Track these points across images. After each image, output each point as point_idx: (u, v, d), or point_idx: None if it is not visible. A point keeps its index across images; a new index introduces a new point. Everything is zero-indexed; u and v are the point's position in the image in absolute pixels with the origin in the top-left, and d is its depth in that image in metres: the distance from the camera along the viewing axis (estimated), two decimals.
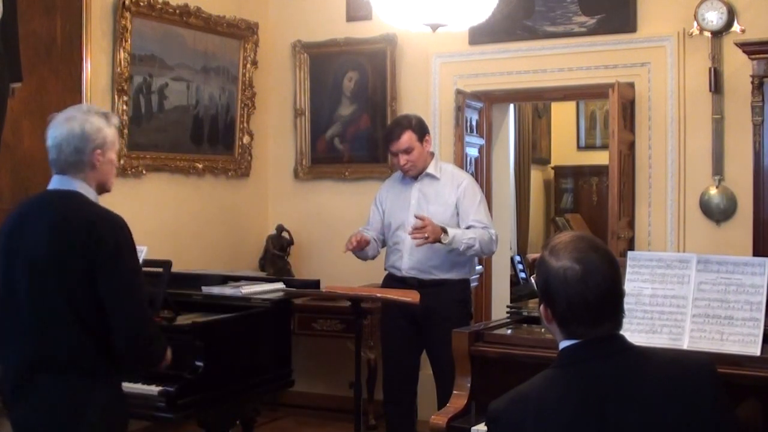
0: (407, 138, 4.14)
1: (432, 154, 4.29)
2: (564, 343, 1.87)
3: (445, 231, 3.98)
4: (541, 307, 1.89)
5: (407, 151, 4.15)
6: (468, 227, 4.12)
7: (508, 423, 1.83)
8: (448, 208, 4.15)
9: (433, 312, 4.01)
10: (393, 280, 4.23)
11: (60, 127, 2.57)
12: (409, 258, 4.16)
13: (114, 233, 2.51)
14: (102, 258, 2.46)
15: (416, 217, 4.02)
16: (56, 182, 2.60)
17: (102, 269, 2.46)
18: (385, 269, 4.33)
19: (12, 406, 2.57)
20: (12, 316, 2.54)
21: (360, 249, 4.18)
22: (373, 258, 4.35)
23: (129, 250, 2.54)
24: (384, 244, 4.35)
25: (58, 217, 2.53)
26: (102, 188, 2.65)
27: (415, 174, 4.22)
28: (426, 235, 3.93)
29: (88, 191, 2.59)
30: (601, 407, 1.77)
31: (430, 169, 4.23)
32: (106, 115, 2.65)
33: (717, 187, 4.84)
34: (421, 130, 4.20)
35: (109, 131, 2.61)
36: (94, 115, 2.61)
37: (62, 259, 2.47)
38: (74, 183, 2.57)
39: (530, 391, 1.85)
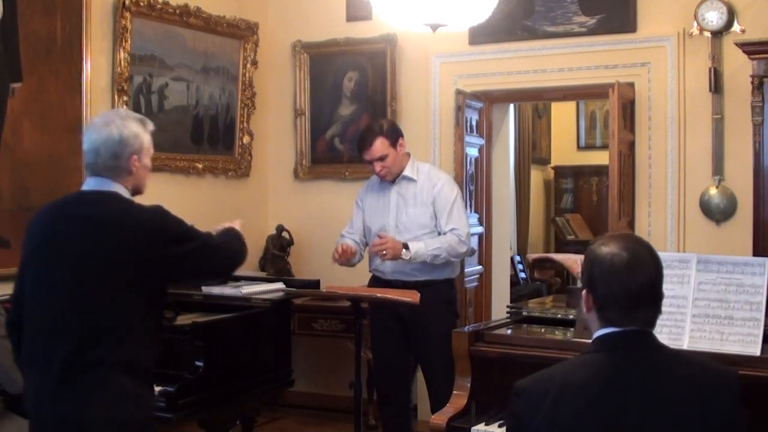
0: (379, 145, 4.09)
1: (408, 155, 4.23)
2: (599, 332, 1.93)
3: (406, 247, 3.97)
4: (584, 293, 1.95)
5: (381, 158, 4.10)
6: (441, 234, 4.09)
7: (530, 396, 1.90)
8: (427, 209, 4.12)
9: (418, 312, 3.95)
10: (379, 283, 4.19)
11: (98, 132, 2.57)
12: (391, 261, 4.13)
13: (158, 220, 2.55)
14: (157, 248, 2.50)
15: (377, 235, 4.04)
16: (92, 183, 2.59)
17: (163, 255, 2.51)
18: (370, 271, 4.31)
19: (39, 410, 2.51)
20: (41, 316, 2.51)
21: (346, 259, 4.14)
22: (358, 263, 4.31)
23: (175, 225, 2.58)
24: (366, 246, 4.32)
25: (100, 215, 2.51)
26: (136, 191, 2.65)
27: (392, 178, 4.19)
28: (384, 251, 3.95)
29: (125, 193, 2.59)
30: (624, 396, 1.82)
31: (407, 171, 4.18)
32: (142, 120, 2.65)
33: (717, 187, 4.83)
34: (394, 135, 4.14)
35: (145, 137, 2.62)
36: (131, 121, 2.61)
37: (107, 256, 2.46)
38: (112, 185, 2.57)
39: (557, 371, 1.93)
